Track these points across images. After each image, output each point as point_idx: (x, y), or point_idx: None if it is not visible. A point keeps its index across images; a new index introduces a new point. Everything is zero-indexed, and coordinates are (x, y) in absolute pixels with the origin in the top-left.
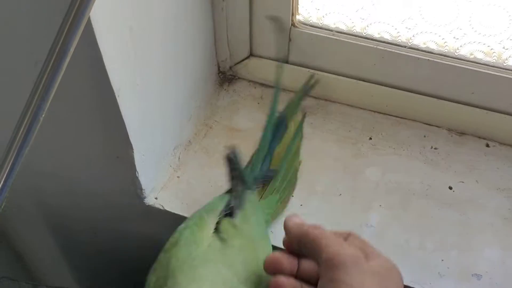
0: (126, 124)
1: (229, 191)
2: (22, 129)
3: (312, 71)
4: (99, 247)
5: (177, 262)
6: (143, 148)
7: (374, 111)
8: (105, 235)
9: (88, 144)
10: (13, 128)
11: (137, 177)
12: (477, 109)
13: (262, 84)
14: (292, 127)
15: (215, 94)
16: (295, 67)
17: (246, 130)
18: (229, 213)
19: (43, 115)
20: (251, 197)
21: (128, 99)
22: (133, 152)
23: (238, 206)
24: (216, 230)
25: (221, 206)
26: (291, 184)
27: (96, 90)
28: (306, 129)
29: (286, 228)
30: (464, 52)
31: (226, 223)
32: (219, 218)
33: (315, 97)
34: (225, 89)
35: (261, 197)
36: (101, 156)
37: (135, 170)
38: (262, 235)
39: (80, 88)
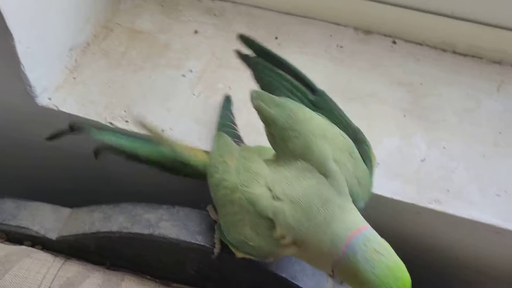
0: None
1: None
2: None
3: None
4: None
5: None
6: (27, 40)
7: (281, 12)
8: (3, 148)
9: None
10: None
11: (23, 72)
12: (384, 5)
13: None
14: None
15: None
16: None
17: (149, 32)
18: None
19: None
20: None
21: None
22: (13, 41)
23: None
24: None
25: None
26: None
27: None
28: (211, 30)
29: None
30: None
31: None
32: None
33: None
34: None
35: None
36: None
37: (19, 63)
38: None
39: None
